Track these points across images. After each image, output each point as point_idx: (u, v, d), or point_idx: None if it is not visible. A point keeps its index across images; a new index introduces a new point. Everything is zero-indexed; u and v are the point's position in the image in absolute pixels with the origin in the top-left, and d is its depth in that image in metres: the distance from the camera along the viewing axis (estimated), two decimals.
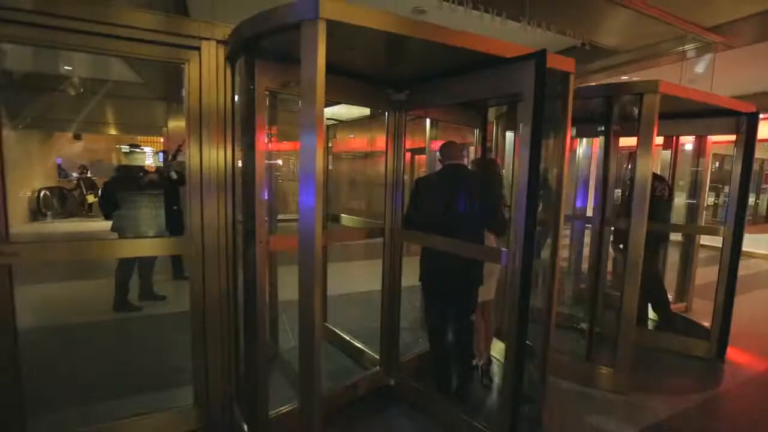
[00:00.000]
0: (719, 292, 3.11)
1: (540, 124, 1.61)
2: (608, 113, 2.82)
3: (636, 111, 2.52)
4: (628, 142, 3.26)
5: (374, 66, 1.94)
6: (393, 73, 2.08)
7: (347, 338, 3.03)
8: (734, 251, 3.06)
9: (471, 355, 2.67)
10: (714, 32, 4.02)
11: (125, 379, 2.58)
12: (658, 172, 3.70)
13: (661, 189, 3.40)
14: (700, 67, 5.51)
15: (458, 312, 2.54)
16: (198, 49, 1.77)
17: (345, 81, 2.02)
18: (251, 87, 1.66)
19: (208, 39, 1.78)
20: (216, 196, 1.86)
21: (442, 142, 2.59)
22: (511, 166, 2.96)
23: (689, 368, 3.04)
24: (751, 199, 8.51)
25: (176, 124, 8.83)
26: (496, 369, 2.86)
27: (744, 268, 3.99)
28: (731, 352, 3.18)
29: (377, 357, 2.62)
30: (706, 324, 3.28)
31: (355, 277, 4.86)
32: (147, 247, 2.07)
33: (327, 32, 1.28)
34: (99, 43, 1.63)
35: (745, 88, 6.78)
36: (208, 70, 1.80)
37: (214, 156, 1.83)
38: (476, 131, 2.98)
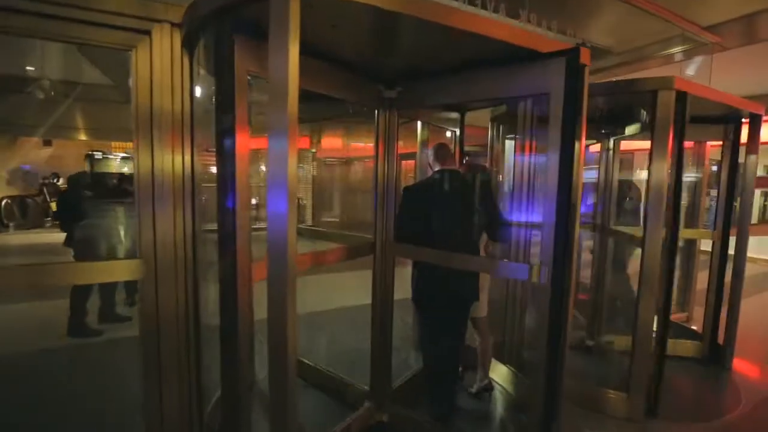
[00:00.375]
0: (709, 296, 3.12)
1: (572, 127, 1.48)
2: (630, 113, 2.63)
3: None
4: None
5: (363, 55, 1.68)
6: (384, 67, 1.82)
7: (328, 372, 2.62)
8: (722, 255, 3.06)
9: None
10: (710, 32, 3.89)
11: (69, 418, 2.22)
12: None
13: (633, 196, 3.41)
14: (691, 70, 5.43)
15: (459, 330, 2.33)
16: (148, 33, 1.46)
17: (328, 68, 1.71)
18: (227, 69, 1.35)
19: (160, 21, 1.47)
20: (171, 206, 1.54)
21: (432, 144, 2.36)
22: (511, 173, 2.71)
23: (698, 382, 2.85)
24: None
25: None
26: (498, 395, 2.60)
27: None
28: (738, 363, 3.02)
29: (366, 388, 2.32)
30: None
31: (336, 291, 4.52)
32: (88, 272, 1.73)
33: (304, 2, 1.01)
34: (24, 22, 1.32)
35: (744, 90, 6.75)
36: (160, 58, 1.49)
37: (168, 161, 1.51)
38: (455, 133, 2.76)
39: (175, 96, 1.52)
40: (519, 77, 1.61)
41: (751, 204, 3.04)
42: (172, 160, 1.52)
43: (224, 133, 1.40)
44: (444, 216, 2.19)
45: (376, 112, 2.02)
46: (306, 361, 2.69)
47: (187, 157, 1.56)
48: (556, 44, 1.49)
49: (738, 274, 2.96)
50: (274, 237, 1.06)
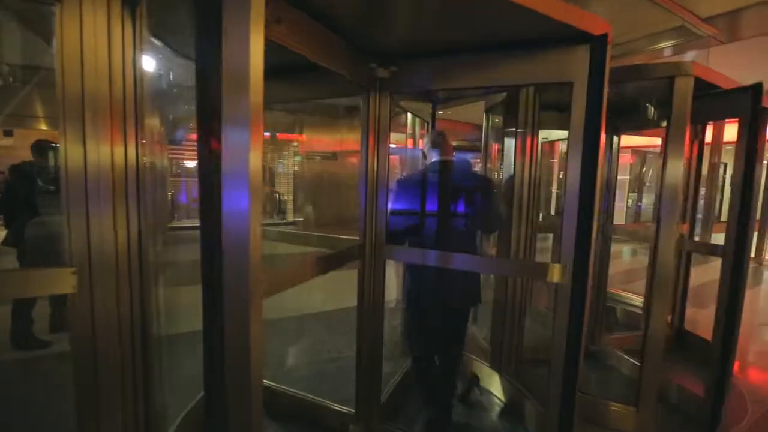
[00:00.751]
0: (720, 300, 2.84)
1: (597, 118, 1.37)
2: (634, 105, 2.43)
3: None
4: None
5: (356, 19, 1.40)
6: (380, 39, 1.55)
7: (303, 397, 2.23)
8: (738, 256, 2.75)
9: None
10: (708, 23, 3.75)
11: None
12: None
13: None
14: None
15: (461, 339, 2.19)
16: None
17: (313, 26, 1.40)
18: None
19: None
20: (110, 206, 1.23)
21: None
22: (511, 169, 2.48)
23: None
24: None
25: None
26: (494, 405, 2.42)
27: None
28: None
29: (351, 411, 2.05)
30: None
31: (307, 291, 4.23)
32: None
33: None
34: None
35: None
36: (93, 20, 1.17)
37: (106, 153, 1.21)
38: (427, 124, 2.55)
39: (114, 69, 1.21)
40: (540, 61, 1.46)
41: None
42: (111, 152, 1.22)
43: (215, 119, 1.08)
44: (443, 212, 1.99)
45: (362, 98, 1.74)
46: (274, 385, 2.30)
47: (132, 148, 1.25)
48: (589, 19, 1.26)
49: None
50: (232, 259, 0.79)
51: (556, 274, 1.51)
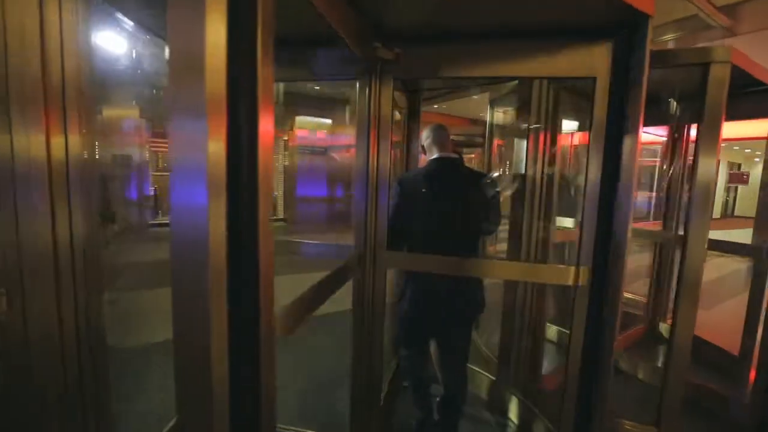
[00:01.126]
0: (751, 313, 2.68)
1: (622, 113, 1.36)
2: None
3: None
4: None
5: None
6: (384, 17, 1.32)
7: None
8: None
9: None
10: (724, 13, 3.57)
11: None
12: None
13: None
14: None
15: (464, 351, 2.01)
16: None
17: None
18: None
19: None
20: (47, 205, 0.98)
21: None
22: (523, 168, 2.26)
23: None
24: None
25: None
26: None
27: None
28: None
29: None
30: None
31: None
32: None
33: None
34: None
35: None
36: None
37: (39, 143, 0.95)
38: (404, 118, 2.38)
39: (49, 42, 0.95)
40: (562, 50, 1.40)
41: None
42: (48, 142, 0.96)
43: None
44: (450, 213, 1.82)
45: (361, 83, 1.50)
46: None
47: (75, 138, 1.00)
48: None
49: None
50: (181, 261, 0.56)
51: (572, 277, 1.46)
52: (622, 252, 1.35)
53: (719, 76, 1.74)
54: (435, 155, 1.87)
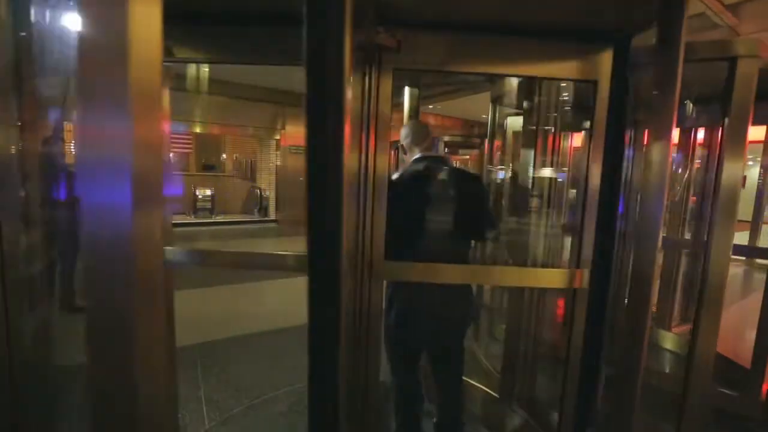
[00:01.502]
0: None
1: (620, 114, 1.42)
2: None
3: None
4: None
5: None
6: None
7: None
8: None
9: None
10: (731, 12, 3.46)
11: None
12: None
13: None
14: None
15: (460, 366, 1.88)
16: None
17: None
18: None
19: None
20: None
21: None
22: (530, 170, 2.12)
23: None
24: None
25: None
26: None
27: None
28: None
29: None
30: None
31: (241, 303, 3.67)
32: None
33: None
34: None
35: None
36: None
37: None
38: None
39: None
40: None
41: None
42: None
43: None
44: (441, 217, 1.68)
45: (356, 71, 1.33)
46: None
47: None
48: None
49: None
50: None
51: (570, 280, 1.45)
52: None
53: (747, 71, 1.61)
54: (417, 155, 1.72)
